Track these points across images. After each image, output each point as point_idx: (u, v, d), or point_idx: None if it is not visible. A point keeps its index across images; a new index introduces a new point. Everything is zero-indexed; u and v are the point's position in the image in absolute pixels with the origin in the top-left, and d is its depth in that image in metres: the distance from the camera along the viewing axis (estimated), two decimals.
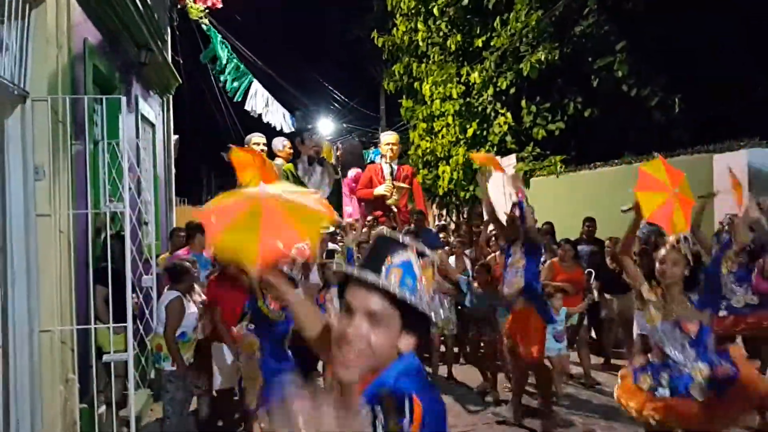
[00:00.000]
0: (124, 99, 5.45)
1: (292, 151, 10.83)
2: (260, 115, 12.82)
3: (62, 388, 5.15)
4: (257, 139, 10.35)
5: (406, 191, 11.18)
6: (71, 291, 5.27)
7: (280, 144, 10.80)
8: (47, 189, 5.04)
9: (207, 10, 11.71)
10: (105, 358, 5.45)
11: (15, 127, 4.86)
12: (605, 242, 8.48)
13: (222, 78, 12.54)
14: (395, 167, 11.24)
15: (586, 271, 7.75)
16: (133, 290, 5.81)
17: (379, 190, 10.99)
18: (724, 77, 10.52)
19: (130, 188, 6.00)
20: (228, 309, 5.95)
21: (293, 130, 13.75)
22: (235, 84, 12.59)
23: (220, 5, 11.34)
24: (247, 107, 12.68)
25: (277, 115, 13.00)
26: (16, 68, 4.76)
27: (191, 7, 11.12)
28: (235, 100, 12.86)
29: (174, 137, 11.36)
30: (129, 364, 5.41)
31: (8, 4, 4.52)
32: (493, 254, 8.14)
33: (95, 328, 5.47)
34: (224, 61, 12.41)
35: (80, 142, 5.80)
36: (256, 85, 12.82)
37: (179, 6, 11.18)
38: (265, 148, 10.46)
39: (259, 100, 12.73)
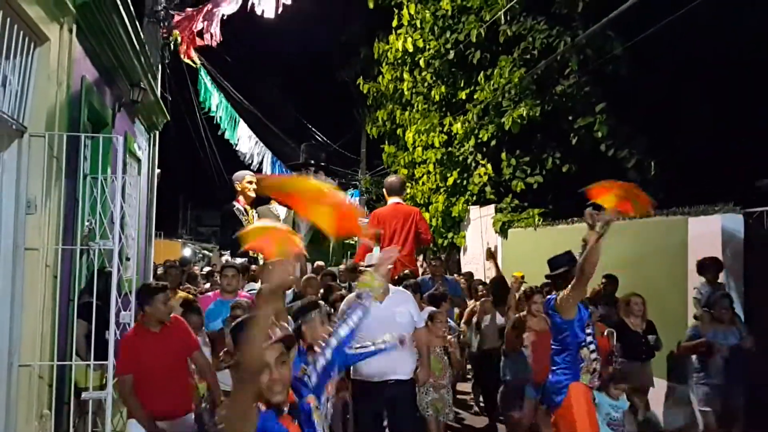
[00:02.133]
0: (121, 139, 5.55)
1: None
2: (246, 155, 13.03)
3: (37, 424, 5.11)
4: (250, 177, 10.54)
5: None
6: (53, 326, 5.27)
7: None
8: (37, 223, 5.08)
9: (198, 58, 11.91)
10: (84, 395, 5.42)
11: (11, 161, 4.92)
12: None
13: (222, 128, 12.77)
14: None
15: (606, 332, 6.96)
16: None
17: None
18: (701, 143, 10.89)
19: (114, 223, 6.06)
20: (148, 374, 4.95)
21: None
22: (227, 127, 12.84)
23: (199, 44, 11.44)
24: (239, 148, 12.92)
25: (264, 157, 13.23)
26: (16, 104, 4.84)
27: (182, 55, 11.30)
28: (234, 145, 13.08)
29: (156, 171, 11.43)
30: (108, 401, 5.39)
31: (15, 41, 4.62)
32: (518, 315, 7.34)
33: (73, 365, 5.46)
34: (215, 107, 12.63)
35: (72, 177, 5.86)
36: (243, 127, 13.04)
37: (171, 44, 11.34)
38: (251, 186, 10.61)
39: (246, 142, 12.95)
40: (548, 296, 5.61)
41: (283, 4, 9.24)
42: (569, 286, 5.01)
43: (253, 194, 10.41)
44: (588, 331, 5.31)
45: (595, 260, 4.75)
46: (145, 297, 5.17)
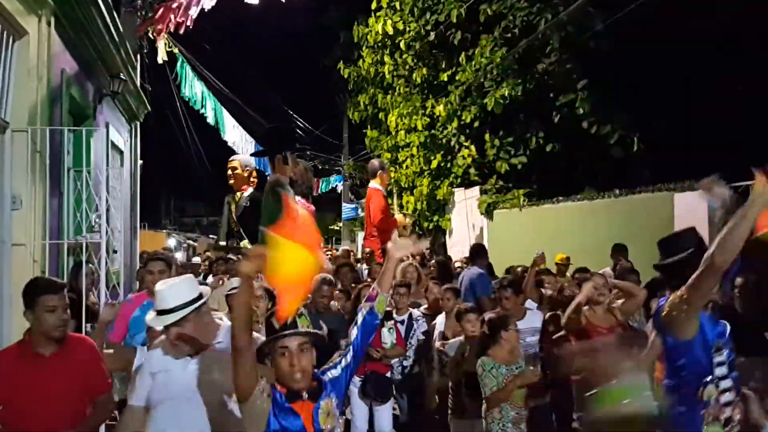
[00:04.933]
0: (103, 131, 5.50)
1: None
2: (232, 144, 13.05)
3: None
4: (231, 163, 10.40)
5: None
6: None
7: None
8: (23, 219, 5.04)
9: (171, 44, 11.71)
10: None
11: None
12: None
13: (211, 119, 12.73)
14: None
15: None
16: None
17: (403, 219, 10.24)
18: (685, 118, 10.93)
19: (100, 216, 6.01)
20: (22, 414, 3.31)
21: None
22: (214, 117, 12.81)
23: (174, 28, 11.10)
24: (227, 138, 12.94)
25: (249, 147, 13.24)
26: None
27: (157, 42, 11.12)
28: (222, 134, 13.07)
29: (138, 162, 11.34)
30: None
31: None
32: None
33: None
34: (197, 97, 12.55)
35: (56, 171, 5.80)
36: (227, 116, 13.03)
37: (149, 35, 11.15)
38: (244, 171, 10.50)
39: (231, 131, 12.94)
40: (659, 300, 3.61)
41: None
42: (687, 283, 3.16)
43: (232, 181, 10.27)
44: (719, 358, 3.30)
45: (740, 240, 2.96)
46: (27, 298, 3.46)
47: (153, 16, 10.16)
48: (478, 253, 8.00)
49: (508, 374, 4.50)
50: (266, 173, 14.99)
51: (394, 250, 3.10)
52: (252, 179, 9.79)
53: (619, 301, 5.20)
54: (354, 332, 3.04)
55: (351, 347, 2.99)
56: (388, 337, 5.54)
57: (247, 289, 2.76)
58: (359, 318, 3.05)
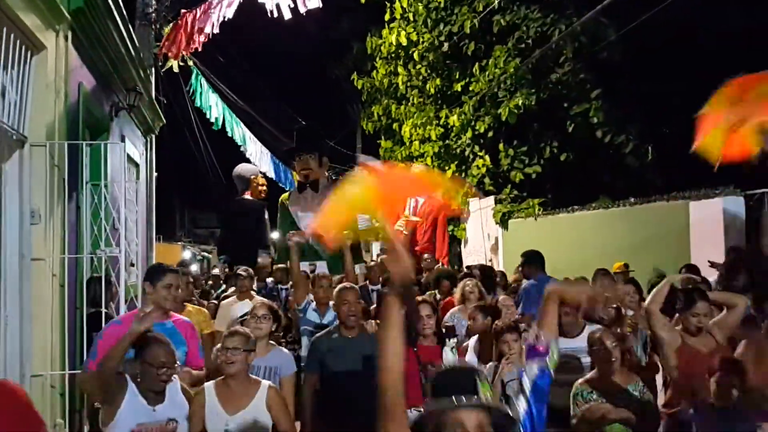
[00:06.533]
0: (121, 145, 5.53)
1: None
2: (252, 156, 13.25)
3: None
4: (263, 180, 10.81)
5: (415, 224, 10.94)
6: (62, 335, 5.27)
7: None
8: (42, 233, 5.07)
9: (185, 59, 11.79)
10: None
11: (13, 171, 4.90)
12: None
13: (229, 131, 13.00)
14: (420, 200, 11.04)
15: None
16: None
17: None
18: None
19: (117, 228, 6.05)
20: None
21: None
22: (231, 128, 12.99)
23: (195, 47, 11.06)
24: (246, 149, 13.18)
25: (265, 159, 13.38)
26: (16, 114, 4.81)
27: (170, 61, 11.20)
28: (240, 145, 13.26)
29: (153, 175, 11.41)
30: None
31: (12, 51, 4.59)
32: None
33: None
34: (213, 110, 12.69)
35: (73, 185, 5.84)
36: (243, 128, 13.16)
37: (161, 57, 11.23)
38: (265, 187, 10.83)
39: (248, 142, 13.05)
40: None
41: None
42: None
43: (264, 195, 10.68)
44: None
45: None
46: None
47: (170, 36, 10.20)
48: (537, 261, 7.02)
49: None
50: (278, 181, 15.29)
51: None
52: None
53: (715, 318, 4.29)
54: (521, 408, 2.29)
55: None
56: (452, 358, 4.59)
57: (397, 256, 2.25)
58: (524, 383, 2.26)
